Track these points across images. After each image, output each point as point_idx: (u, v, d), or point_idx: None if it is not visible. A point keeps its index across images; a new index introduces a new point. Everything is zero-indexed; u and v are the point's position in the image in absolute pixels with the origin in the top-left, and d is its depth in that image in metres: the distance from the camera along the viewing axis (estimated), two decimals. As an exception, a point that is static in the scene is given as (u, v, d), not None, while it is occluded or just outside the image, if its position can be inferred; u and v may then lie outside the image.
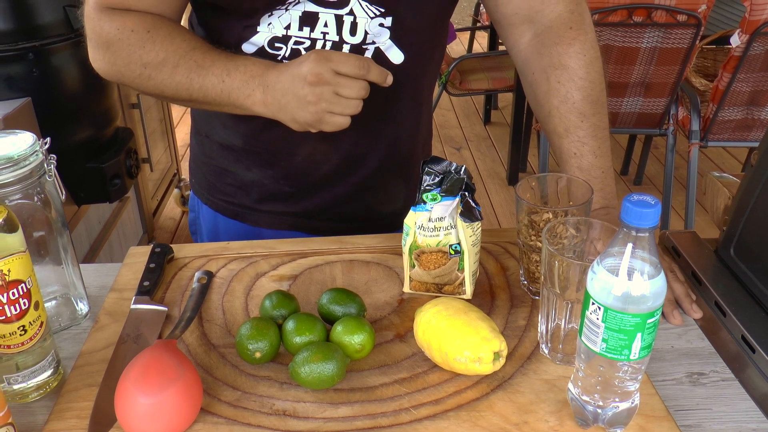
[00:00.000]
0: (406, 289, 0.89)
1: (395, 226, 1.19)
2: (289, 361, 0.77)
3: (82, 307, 0.89)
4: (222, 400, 0.72)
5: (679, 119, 2.76)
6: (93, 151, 1.86)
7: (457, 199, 0.83)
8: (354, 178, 1.10)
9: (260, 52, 0.97)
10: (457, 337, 0.72)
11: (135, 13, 0.92)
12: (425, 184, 0.84)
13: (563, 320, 0.75)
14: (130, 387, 0.66)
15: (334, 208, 1.13)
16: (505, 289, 0.90)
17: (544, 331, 0.78)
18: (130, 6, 0.92)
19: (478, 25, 4.61)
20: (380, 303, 0.88)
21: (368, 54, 0.98)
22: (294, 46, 0.95)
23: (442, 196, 0.83)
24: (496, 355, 0.72)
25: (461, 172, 0.83)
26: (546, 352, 0.78)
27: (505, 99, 4.37)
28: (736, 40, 2.28)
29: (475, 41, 5.10)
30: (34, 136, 0.78)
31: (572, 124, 1.00)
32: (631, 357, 0.62)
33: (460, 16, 5.93)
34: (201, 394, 0.69)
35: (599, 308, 0.61)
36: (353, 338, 0.75)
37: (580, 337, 0.66)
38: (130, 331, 0.81)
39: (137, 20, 0.91)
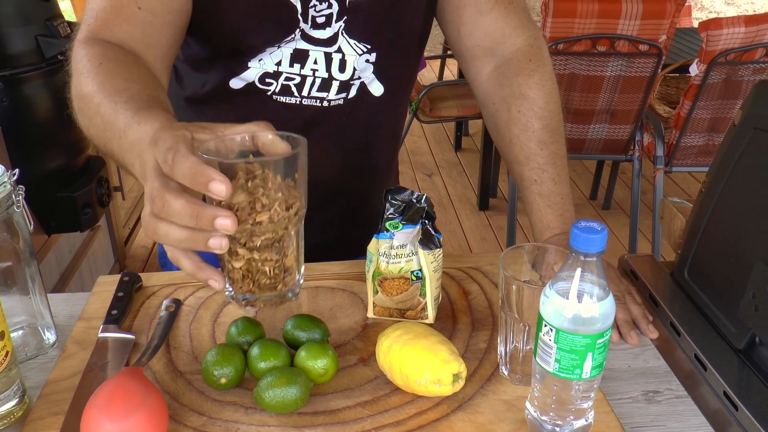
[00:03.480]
0: (370, 314, 0.91)
1: (362, 251, 1.22)
2: (254, 385, 0.78)
3: (50, 336, 0.90)
4: (188, 426, 0.74)
5: (645, 145, 2.82)
6: (64, 179, 1.87)
7: (418, 227, 0.86)
8: (332, 210, 1.13)
9: (250, 88, 0.99)
10: (417, 360, 0.74)
11: (108, 46, 0.87)
12: (388, 213, 0.87)
13: (521, 342, 0.77)
14: (95, 414, 0.67)
15: (308, 239, 1.16)
16: (467, 312, 0.93)
17: (503, 353, 0.80)
18: (116, 38, 0.87)
19: (449, 52, 4.69)
20: (344, 328, 0.90)
21: (353, 89, 1.01)
22: (284, 82, 0.99)
23: (403, 224, 0.86)
24: (456, 377, 0.74)
25: (422, 201, 0.86)
26: (505, 373, 0.80)
27: (476, 125, 4.43)
28: (694, 69, 2.35)
29: (446, 68, 5.18)
30: (2, 167, 0.79)
31: (532, 152, 1.04)
32: (583, 376, 0.65)
33: (432, 44, 6.02)
34: (167, 420, 0.70)
35: (551, 330, 0.64)
36: (316, 363, 0.77)
37: (535, 357, 0.68)
38: (97, 359, 0.82)
39: (101, 51, 0.85)
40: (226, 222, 0.59)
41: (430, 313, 0.89)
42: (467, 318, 0.92)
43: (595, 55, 2.52)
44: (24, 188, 0.82)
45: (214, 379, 0.76)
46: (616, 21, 2.42)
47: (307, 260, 1.19)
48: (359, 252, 1.21)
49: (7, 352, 0.75)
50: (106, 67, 0.81)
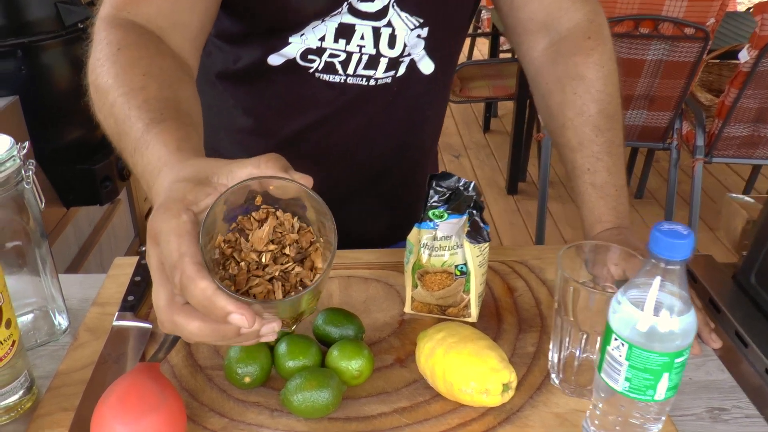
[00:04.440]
0: (408, 309, 0.84)
1: (397, 239, 1.15)
2: (281, 385, 0.71)
3: (61, 321, 0.84)
4: (207, 428, 0.67)
5: (684, 134, 2.71)
6: (83, 152, 1.81)
7: (465, 217, 0.78)
8: (369, 194, 1.06)
9: (290, 65, 0.91)
10: (463, 367, 0.67)
11: (131, 28, 0.76)
12: (432, 201, 0.79)
13: (577, 350, 0.69)
14: (107, 414, 0.60)
15: (349, 228, 1.09)
16: (513, 311, 0.85)
17: (556, 361, 0.72)
18: (142, 16, 0.76)
19: (479, 31, 4.57)
20: (379, 323, 0.83)
21: (402, 67, 0.93)
22: (328, 59, 0.90)
23: (448, 213, 0.78)
24: (505, 387, 0.67)
25: (470, 189, 0.78)
26: (557, 382, 0.73)
27: (505, 107, 4.32)
28: (744, 56, 2.23)
29: (475, 48, 5.06)
30: (12, 139, 0.73)
31: (587, 138, 0.95)
32: (656, 397, 0.57)
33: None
34: (184, 423, 0.63)
35: (623, 344, 0.56)
36: (350, 363, 0.70)
37: (600, 373, 0.60)
38: (111, 350, 0.76)
39: (122, 35, 0.75)
40: (248, 321, 0.51)
41: (474, 312, 0.81)
42: (513, 318, 0.84)
43: (637, 38, 2.40)
44: (34, 163, 0.75)
45: (237, 378, 0.70)
46: (661, 2, 2.30)
47: (339, 247, 1.13)
48: (394, 239, 1.14)
49: (14, 342, 0.69)
50: (125, 55, 0.72)
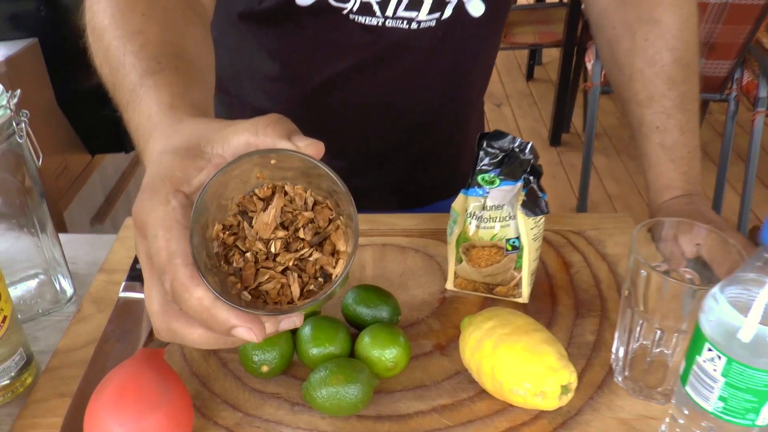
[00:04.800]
0: (450, 285, 0.74)
1: (436, 198, 1.04)
2: (304, 374, 0.63)
3: (66, 288, 0.76)
4: (219, 424, 0.59)
5: (744, 84, 2.52)
6: (107, 97, 1.71)
7: (519, 184, 0.67)
8: (408, 151, 0.95)
9: (321, 5, 0.79)
10: (516, 365, 0.57)
11: None
12: (481, 164, 0.68)
13: (649, 347, 0.59)
14: (101, 412, 0.52)
15: (383, 188, 0.98)
16: (569, 291, 0.74)
17: (621, 355, 0.62)
18: None
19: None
20: (417, 301, 0.73)
21: (449, 9, 0.81)
22: None
23: (501, 179, 0.67)
24: (564, 389, 0.57)
25: (527, 151, 0.67)
26: (620, 381, 0.63)
27: (550, 54, 4.12)
28: (820, -1, 2.04)
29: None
30: (1, 86, 0.63)
31: (658, 91, 0.83)
32: (759, 422, 0.46)
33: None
34: (191, 422, 0.55)
35: (719, 357, 0.45)
36: (384, 353, 0.61)
37: (684, 385, 0.50)
38: (115, 326, 0.68)
39: None
40: (256, 335, 0.42)
41: (525, 291, 0.71)
42: (569, 299, 0.73)
43: (701, -21, 2.21)
44: (27, 114, 0.65)
45: (253, 366, 0.61)
46: (730, -61, 2.11)
47: (373, 206, 1.03)
48: (431, 200, 1.04)
49: (5, 317, 0.61)
50: None
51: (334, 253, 0.45)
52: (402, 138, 0.94)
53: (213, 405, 0.60)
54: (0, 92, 0.63)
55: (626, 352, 0.61)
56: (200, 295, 0.41)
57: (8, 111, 0.63)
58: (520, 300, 0.72)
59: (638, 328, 0.59)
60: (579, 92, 3.34)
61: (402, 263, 0.78)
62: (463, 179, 1.08)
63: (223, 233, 0.45)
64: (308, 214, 0.45)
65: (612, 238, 0.83)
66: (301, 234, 0.45)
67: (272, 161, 0.44)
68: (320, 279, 0.45)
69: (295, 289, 0.44)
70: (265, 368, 0.61)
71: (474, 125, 1.05)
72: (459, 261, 0.71)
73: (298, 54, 0.86)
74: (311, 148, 0.44)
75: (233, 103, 0.96)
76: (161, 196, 0.44)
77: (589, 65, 2.83)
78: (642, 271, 0.57)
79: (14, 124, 0.64)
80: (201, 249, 0.43)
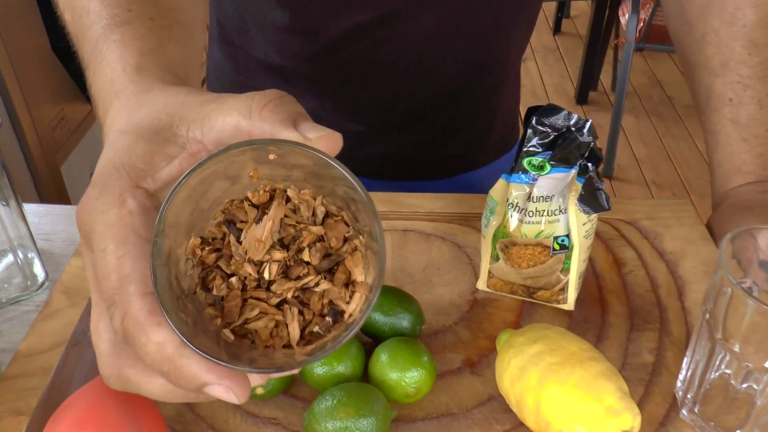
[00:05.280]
0: (482, 286, 0.63)
1: (463, 169, 0.92)
2: (306, 393, 0.52)
3: (37, 272, 0.66)
4: (203, 457, 0.49)
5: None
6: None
7: (574, 171, 0.55)
8: (438, 117, 0.83)
9: None
10: (567, 404, 0.46)
11: None
12: (529, 144, 0.56)
13: (733, 375, 0.48)
14: (54, 451, 0.42)
15: (407, 154, 0.86)
16: (621, 296, 0.63)
17: (691, 388, 0.51)
18: None
19: None
20: (443, 303, 0.62)
21: None
22: None
23: (552, 165, 0.55)
24: (625, 433, 0.46)
25: (585, 132, 0.55)
26: (687, 416, 0.52)
27: (579, 7, 3.93)
28: None
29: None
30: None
31: (735, 56, 0.71)
32: None
33: None
34: (166, 461, 0.45)
35: None
36: (405, 377, 0.50)
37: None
38: (87, 326, 0.57)
39: None
40: (237, 396, 0.32)
41: (571, 297, 0.60)
42: (622, 306, 0.62)
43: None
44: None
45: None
46: None
47: (391, 176, 0.92)
48: (457, 170, 0.92)
49: (-50, 316, 0.50)
50: None
51: (349, 283, 0.34)
52: (428, 102, 0.82)
53: (197, 431, 0.50)
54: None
55: (700, 384, 0.50)
56: (160, 339, 0.30)
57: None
58: (564, 306, 0.61)
59: (719, 358, 0.48)
60: (609, 48, 3.17)
61: (426, 254, 0.67)
62: (493, 151, 0.96)
63: (202, 249, 0.34)
64: (316, 230, 0.34)
65: (670, 230, 0.71)
66: (305, 256, 0.34)
67: (271, 156, 0.33)
68: (328, 318, 0.34)
69: (294, 330, 0.33)
70: (260, 390, 0.50)
71: (510, 91, 0.92)
72: (495, 258, 0.60)
73: (312, 2, 0.73)
74: (325, 141, 0.33)
75: (237, 55, 0.83)
76: (114, 195, 0.32)
77: (623, 20, 2.66)
78: (727, 290, 0.45)
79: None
80: (167, 270, 0.32)
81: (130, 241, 0.31)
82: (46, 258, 0.68)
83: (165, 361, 0.30)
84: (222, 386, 0.30)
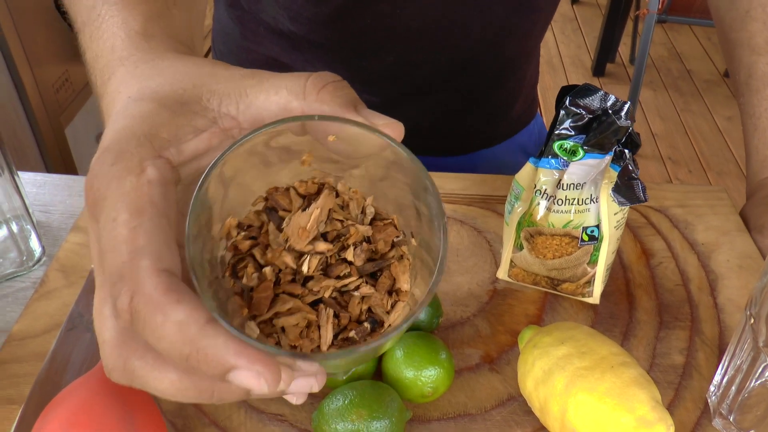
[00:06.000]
0: (503, 275, 0.59)
1: (482, 145, 0.88)
2: (315, 397, 0.49)
3: (34, 246, 0.62)
4: (204, 456, 0.46)
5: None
6: None
7: (608, 158, 0.51)
8: (458, 88, 0.78)
9: None
10: (597, 413, 0.43)
11: None
12: (561, 127, 0.52)
13: (770, 389, 0.45)
14: (43, 450, 0.39)
15: (423, 127, 0.81)
16: (650, 291, 0.60)
17: (731, 394, 0.48)
18: None
19: None
20: (462, 294, 0.58)
21: None
22: None
23: (585, 150, 0.51)
24: (658, 445, 0.43)
25: (622, 115, 0.51)
26: (720, 425, 0.48)
27: (599, -25, 3.83)
28: None
29: None
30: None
31: None
32: None
33: None
34: (164, 462, 0.42)
35: None
36: (421, 375, 0.47)
37: None
38: (84, 308, 0.54)
39: None
40: (268, 383, 0.27)
41: (597, 290, 0.56)
42: (650, 301, 0.59)
43: None
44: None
45: (252, 382, 0.47)
46: None
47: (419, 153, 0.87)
48: (474, 146, 0.88)
49: (-62, 297, 0.47)
50: None
51: (393, 291, 0.31)
52: (446, 71, 0.78)
53: (198, 427, 0.47)
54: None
55: (739, 390, 0.47)
56: (181, 318, 0.26)
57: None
58: (589, 300, 0.57)
59: (762, 366, 0.45)
60: (629, 19, 3.09)
61: (443, 239, 0.63)
62: (512, 126, 0.92)
63: (238, 233, 0.31)
64: (364, 229, 0.31)
65: (702, 219, 0.67)
66: (348, 255, 0.30)
67: (330, 137, 0.29)
68: (366, 324, 0.30)
69: (327, 334, 0.30)
70: (266, 385, 0.47)
71: (533, 64, 0.88)
72: (518, 247, 0.56)
73: None
74: (388, 129, 0.29)
75: (245, 18, 0.78)
76: (133, 161, 0.29)
77: (645, -10, 2.58)
78: (773, 293, 0.42)
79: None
80: (199, 246, 0.28)
81: (146, 212, 0.28)
82: (44, 231, 0.65)
83: (186, 342, 0.26)
84: (252, 371, 0.26)
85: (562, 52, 3.23)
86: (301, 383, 0.30)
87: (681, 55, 3.23)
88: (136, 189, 0.28)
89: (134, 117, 0.31)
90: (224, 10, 0.81)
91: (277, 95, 0.30)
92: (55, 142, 1.52)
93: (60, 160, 1.56)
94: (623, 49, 3.22)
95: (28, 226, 0.62)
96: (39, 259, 0.63)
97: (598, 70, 3.09)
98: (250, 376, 0.27)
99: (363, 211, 0.32)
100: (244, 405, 0.48)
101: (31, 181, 0.71)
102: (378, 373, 0.49)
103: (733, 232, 0.65)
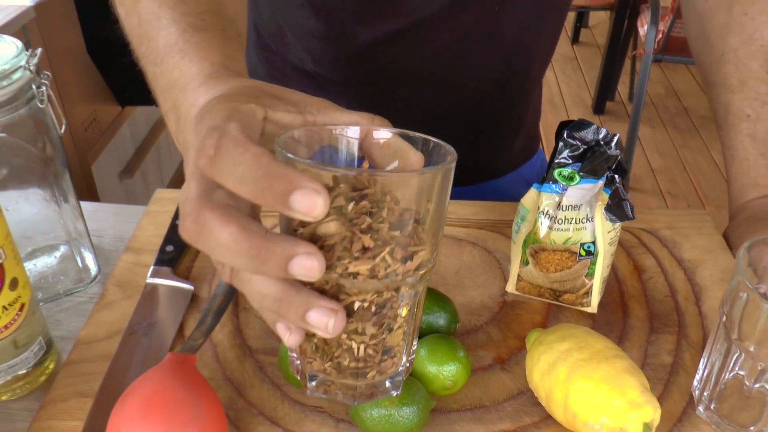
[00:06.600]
0: (511, 289, 0.67)
1: (486, 176, 0.96)
2: (349, 385, 0.56)
3: (90, 265, 0.70)
4: (254, 440, 0.52)
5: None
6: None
7: (601, 182, 0.59)
8: (462, 123, 0.87)
9: None
10: (594, 398, 0.50)
11: None
12: (560, 156, 0.60)
13: (747, 375, 0.52)
14: (124, 429, 0.46)
15: None
16: (642, 301, 0.67)
17: (707, 387, 0.55)
18: None
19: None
20: (475, 305, 0.66)
21: None
22: None
23: (581, 176, 0.59)
24: (646, 427, 0.50)
25: (613, 145, 0.59)
26: (704, 413, 0.55)
27: (597, 17, 3.97)
28: None
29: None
30: (20, 43, 0.56)
31: (753, 74, 0.74)
32: None
33: None
34: (224, 441, 0.49)
35: None
36: (442, 370, 0.54)
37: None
38: (142, 316, 0.61)
39: None
40: (309, 265, 0.34)
41: (594, 300, 0.64)
42: (642, 310, 0.66)
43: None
44: (49, 75, 0.58)
45: (294, 376, 0.54)
46: None
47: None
48: (479, 179, 0.96)
49: (23, 305, 0.55)
50: None
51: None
52: (453, 109, 0.86)
53: (248, 417, 0.54)
54: (18, 51, 0.56)
55: (716, 383, 0.54)
56: (258, 151, 0.33)
57: (27, 72, 0.56)
58: (588, 309, 0.64)
59: (734, 358, 0.52)
60: (627, 59, 3.21)
61: (458, 258, 0.71)
62: (516, 159, 1.00)
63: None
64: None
65: (689, 239, 0.75)
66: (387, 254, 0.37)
67: (383, 142, 0.40)
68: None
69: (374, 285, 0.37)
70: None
71: (533, 102, 0.96)
72: (525, 263, 0.64)
73: (344, 11, 0.77)
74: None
75: (274, 59, 0.87)
76: (233, 100, 0.38)
77: (641, 31, 2.70)
78: (743, 294, 0.49)
79: (34, 87, 0.57)
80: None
81: (236, 118, 0.36)
82: (97, 253, 0.72)
83: (261, 166, 0.33)
84: (310, 189, 0.32)
85: (563, 91, 3.34)
86: (320, 314, 0.36)
87: (678, 93, 3.34)
88: (232, 109, 0.37)
89: (232, 89, 0.40)
90: (254, 51, 0.90)
91: (352, 116, 0.40)
92: (83, 177, 1.60)
93: (86, 194, 1.64)
94: (622, 88, 3.33)
95: (86, 249, 0.70)
96: (95, 277, 0.70)
97: (598, 107, 3.20)
98: (307, 195, 0.32)
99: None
100: (287, 399, 0.55)
101: (84, 208, 0.78)
102: (403, 369, 0.56)
103: (717, 250, 0.73)
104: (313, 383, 0.42)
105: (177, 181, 2.09)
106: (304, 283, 0.37)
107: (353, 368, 0.40)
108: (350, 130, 0.41)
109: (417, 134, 0.42)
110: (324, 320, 0.35)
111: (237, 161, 0.33)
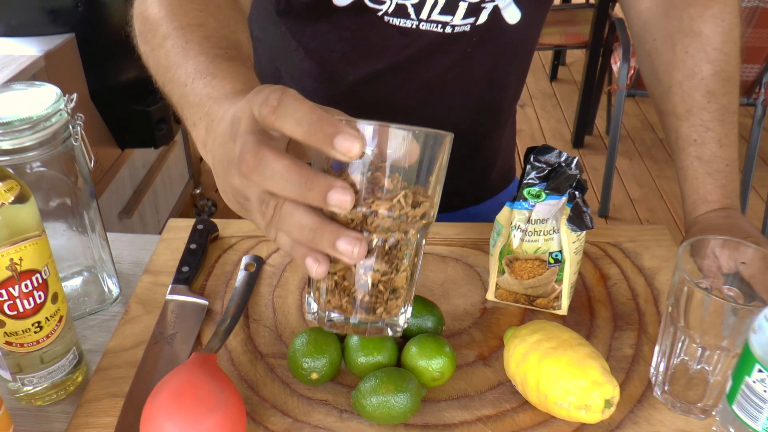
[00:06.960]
0: (490, 296, 0.75)
1: (467, 203, 1.05)
2: (351, 381, 0.64)
3: (112, 287, 0.78)
4: (270, 429, 0.60)
5: (772, 90, 2.51)
6: (139, 92, 1.73)
7: (564, 198, 0.68)
8: (455, 151, 0.96)
9: (357, 5, 0.80)
10: (560, 379, 0.58)
11: None
12: (528, 177, 0.69)
13: (691, 363, 0.60)
14: (158, 415, 0.54)
15: None
16: (607, 304, 0.75)
17: (662, 370, 0.63)
18: None
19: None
20: (459, 312, 0.74)
21: (484, 14, 0.81)
22: (400, 1, 0.79)
23: (546, 193, 0.68)
24: (607, 403, 0.58)
25: (573, 166, 0.68)
26: (660, 395, 0.63)
27: (574, 55, 4.12)
28: None
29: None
30: (59, 90, 0.65)
31: (696, 104, 0.83)
32: (810, 445, 0.47)
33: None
34: (245, 425, 0.56)
35: (772, 379, 0.46)
36: (431, 363, 0.62)
37: (731, 404, 0.51)
38: (163, 328, 0.69)
39: None
40: (343, 198, 0.42)
41: (564, 303, 0.72)
42: (607, 311, 0.74)
43: (732, -15, 2.20)
44: (83, 117, 0.67)
45: (303, 374, 0.62)
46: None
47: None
48: (460, 205, 1.04)
49: (62, 317, 0.62)
50: None
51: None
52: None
53: (262, 410, 0.62)
54: (57, 97, 0.64)
55: (667, 367, 0.62)
56: (313, 105, 0.42)
57: (65, 115, 0.65)
58: (559, 312, 0.73)
59: (680, 344, 0.60)
60: (603, 94, 3.34)
61: (443, 272, 0.79)
62: (493, 187, 1.09)
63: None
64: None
65: (649, 250, 0.84)
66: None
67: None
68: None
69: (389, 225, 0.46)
70: (314, 376, 0.62)
71: (507, 132, 1.06)
72: (501, 272, 0.72)
73: (334, 53, 0.87)
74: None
75: None
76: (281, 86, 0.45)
77: (615, 67, 2.82)
78: (684, 287, 0.58)
79: (70, 127, 0.66)
80: None
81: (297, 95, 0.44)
82: (117, 276, 0.80)
83: (314, 112, 0.42)
84: (350, 134, 0.41)
85: (543, 127, 3.46)
86: (348, 242, 0.44)
87: (653, 126, 3.46)
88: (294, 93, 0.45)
89: (264, 86, 0.47)
90: None
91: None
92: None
93: (89, 234, 1.71)
94: (599, 122, 3.45)
95: (109, 273, 0.78)
96: (116, 298, 0.78)
97: (578, 142, 3.31)
98: (350, 138, 0.41)
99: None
100: (296, 394, 0.63)
101: (104, 238, 0.86)
102: (398, 364, 0.64)
103: (672, 259, 0.82)
104: (329, 322, 0.50)
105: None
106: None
107: (366, 303, 0.49)
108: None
109: (421, 130, 0.52)
110: (350, 247, 0.43)
111: (296, 108, 0.42)
